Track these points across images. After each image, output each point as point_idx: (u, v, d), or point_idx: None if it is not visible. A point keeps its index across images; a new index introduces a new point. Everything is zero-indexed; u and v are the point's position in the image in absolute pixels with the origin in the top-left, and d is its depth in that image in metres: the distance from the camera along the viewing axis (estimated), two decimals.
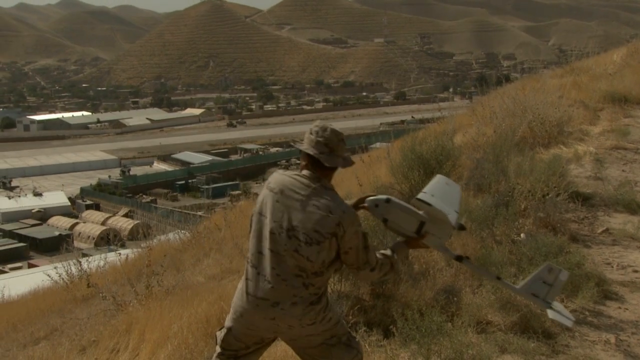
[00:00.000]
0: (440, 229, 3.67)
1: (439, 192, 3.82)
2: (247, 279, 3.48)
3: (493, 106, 10.81)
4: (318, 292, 3.44)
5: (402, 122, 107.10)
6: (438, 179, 4.03)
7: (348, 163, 3.53)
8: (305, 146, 3.47)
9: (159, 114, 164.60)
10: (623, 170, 9.11)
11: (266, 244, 3.41)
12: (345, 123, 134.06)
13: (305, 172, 3.49)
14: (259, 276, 3.42)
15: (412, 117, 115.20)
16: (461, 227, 3.91)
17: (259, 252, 3.44)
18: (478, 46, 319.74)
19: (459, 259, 3.86)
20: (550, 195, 6.81)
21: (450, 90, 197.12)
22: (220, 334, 3.63)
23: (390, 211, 3.71)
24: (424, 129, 13.01)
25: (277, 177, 3.53)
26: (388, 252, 3.64)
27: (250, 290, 3.44)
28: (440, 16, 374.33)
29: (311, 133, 3.50)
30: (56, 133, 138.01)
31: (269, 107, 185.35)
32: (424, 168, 7.13)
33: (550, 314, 3.64)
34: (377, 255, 3.59)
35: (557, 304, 3.74)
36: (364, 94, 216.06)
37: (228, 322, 3.59)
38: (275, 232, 3.39)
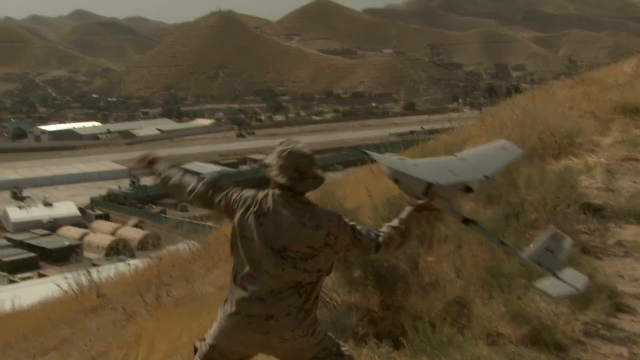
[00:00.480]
0: (449, 192, 3.73)
1: (468, 154, 4.03)
2: (236, 300, 3.39)
3: (503, 117, 10.80)
4: (310, 300, 3.40)
5: (412, 132, 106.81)
6: (499, 142, 4.26)
7: (319, 183, 3.47)
8: (275, 173, 3.40)
9: (168, 124, 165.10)
10: (634, 182, 9.05)
11: (258, 267, 3.34)
12: (355, 133, 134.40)
13: (278, 191, 3.43)
14: (251, 296, 3.35)
15: (422, 127, 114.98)
16: (467, 189, 3.94)
17: (250, 275, 3.36)
18: (488, 57, 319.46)
19: (466, 221, 3.88)
20: (560, 207, 6.78)
21: (460, 100, 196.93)
22: (201, 347, 3.54)
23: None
24: (433, 139, 13.00)
25: (254, 197, 3.46)
26: (395, 222, 3.61)
27: (242, 310, 3.36)
28: (449, 27, 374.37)
29: (279, 157, 3.43)
30: (67, 143, 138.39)
31: (278, 117, 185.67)
32: None
33: (544, 286, 3.63)
34: (384, 229, 3.57)
35: (567, 271, 3.71)
36: (373, 104, 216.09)
37: (212, 339, 3.50)
38: (266, 255, 3.33)
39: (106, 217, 73.28)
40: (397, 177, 3.81)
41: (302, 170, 3.39)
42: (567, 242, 3.68)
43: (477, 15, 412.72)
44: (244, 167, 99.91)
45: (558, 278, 3.57)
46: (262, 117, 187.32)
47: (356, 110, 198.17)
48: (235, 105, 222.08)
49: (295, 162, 3.39)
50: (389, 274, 5.35)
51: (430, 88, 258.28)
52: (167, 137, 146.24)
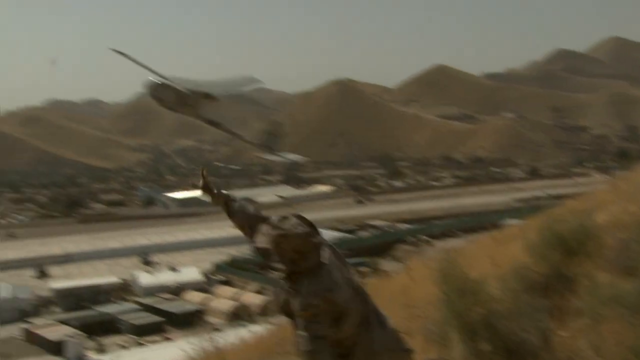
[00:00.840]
0: (195, 100, 4.83)
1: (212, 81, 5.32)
2: None
3: (637, 182, 10.20)
4: None
5: (536, 198, 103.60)
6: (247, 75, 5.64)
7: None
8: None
9: (288, 190, 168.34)
10: None
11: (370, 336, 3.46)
12: (475, 199, 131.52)
13: None
14: None
15: (546, 193, 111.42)
16: (207, 96, 4.71)
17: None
18: (617, 119, 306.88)
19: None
20: None
21: (587, 165, 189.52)
22: None
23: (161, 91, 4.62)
24: (559, 205, 12.46)
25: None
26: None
27: None
28: (573, 90, 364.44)
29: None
30: (192, 210, 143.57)
31: (396, 183, 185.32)
32: (564, 248, 6.74)
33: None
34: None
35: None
36: (494, 169, 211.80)
37: None
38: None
39: (228, 283, 74.87)
40: (157, 94, 5.00)
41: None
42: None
43: (604, 77, 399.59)
44: (363, 234, 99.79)
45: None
46: (381, 183, 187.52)
47: (476, 175, 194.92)
48: (354, 172, 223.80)
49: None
50: (519, 348, 5.08)
51: (554, 152, 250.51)
52: (287, 203, 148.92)
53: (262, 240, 3.57)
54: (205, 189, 4.62)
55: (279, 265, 3.45)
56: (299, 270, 3.38)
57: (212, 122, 7.27)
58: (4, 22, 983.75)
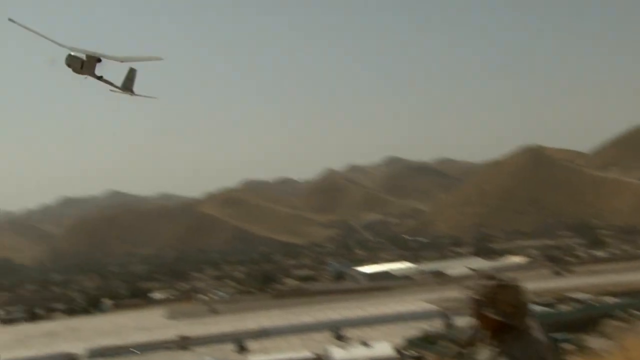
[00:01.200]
0: (91, 65, 10.13)
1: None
2: None
3: None
4: None
5: None
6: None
7: None
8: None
9: (479, 262, 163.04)
10: None
11: None
12: None
13: None
14: None
15: None
16: (99, 60, 10.45)
17: None
18: None
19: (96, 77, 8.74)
20: None
21: None
22: None
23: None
24: None
25: None
26: None
27: None
28: None
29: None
30: (382, 284, 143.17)
31: (598, 253, 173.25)
32: None
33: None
34: None
35: None
36: None
37: None
38: None
39: (421, 359, 72.24)
40: (69, 62, 11.37)
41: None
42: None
43: None
44: (563, 307, 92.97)
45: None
46: (580, 253, 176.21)
47: None
48: (548, 241, 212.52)
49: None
50: None
51: None
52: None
53: (476, 291, 3.35)
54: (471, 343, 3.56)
55: (488, 318, 3.30)
56: (508, 329, 3.24)
57: (98, 78, 13.29)
58: (212, 108, 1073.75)
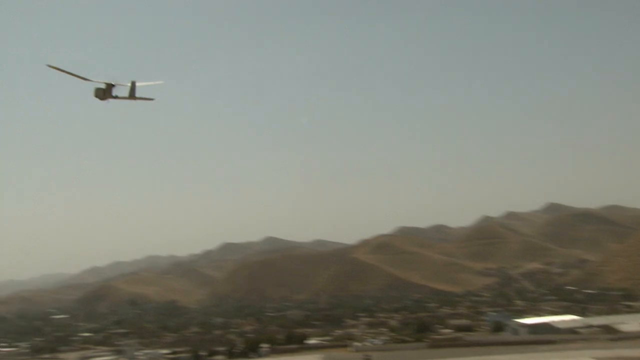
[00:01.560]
0: None
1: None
2: None
3: None
4: None
5: None
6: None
7: None
8: None
9: None
10: None
11: None
12: None
13: None
14: None
15: None
16: (112, 85, 28.02)
17: None
18: None
19: None
20: None
21: None
22: None
23: None
24: None
25: None
26: None
27: None
28: None
29: None
30: (544, 337, 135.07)
31: None
32: None
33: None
34: None
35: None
36: None
37: None
38: None
39: None
40: (96, 93, 33.81)
41: None
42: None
43: None
44: None
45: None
46: None
47: None
48: None
49: None
50: None
51: None
52: None
53: None
54: None
55: None
56: None
57: (114, 97, 34.13)
58: (369, 157, 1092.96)
